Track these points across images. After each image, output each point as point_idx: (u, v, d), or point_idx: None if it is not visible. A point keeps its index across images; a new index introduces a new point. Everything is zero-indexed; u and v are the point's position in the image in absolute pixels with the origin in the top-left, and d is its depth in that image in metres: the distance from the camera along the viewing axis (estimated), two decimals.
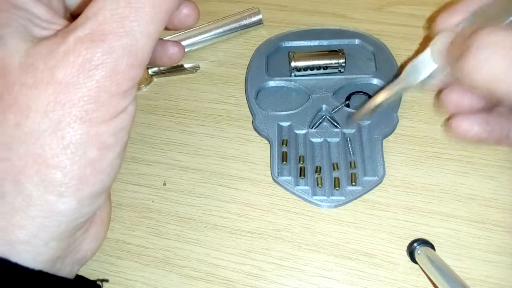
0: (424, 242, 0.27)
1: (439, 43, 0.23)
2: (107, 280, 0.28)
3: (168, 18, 0.20)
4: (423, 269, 0.26)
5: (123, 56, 0.18)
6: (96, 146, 0.18)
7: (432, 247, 0.27)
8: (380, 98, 0.26)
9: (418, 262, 0.27)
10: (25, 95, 0.18)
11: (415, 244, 0.27)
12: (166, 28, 0.25)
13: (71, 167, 0.18)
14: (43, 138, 0.18)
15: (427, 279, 0.27)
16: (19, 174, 0.18)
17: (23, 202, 0.18)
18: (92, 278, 0.27)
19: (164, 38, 0.26)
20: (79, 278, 0.24)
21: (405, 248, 0.28)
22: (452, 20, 0.24)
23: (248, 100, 0.35)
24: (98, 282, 0.26)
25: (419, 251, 0.27)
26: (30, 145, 0.18)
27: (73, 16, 0.23)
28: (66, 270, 0.22)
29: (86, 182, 0.19)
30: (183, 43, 0.39)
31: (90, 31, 0.18)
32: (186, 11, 0.23)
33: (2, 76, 0.18)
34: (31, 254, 0.19)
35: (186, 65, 0.39)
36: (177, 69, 0.39)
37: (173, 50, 0.26)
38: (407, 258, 0.28)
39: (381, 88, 0.30)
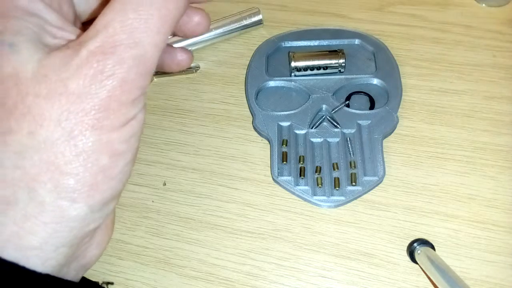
0: (424, 242, 0.27)
1: None
2: (112, 283, 0.28)
3: (174, 27, 0.20)
4: (423, 269, 0.26)
5: (133, 67, 0.19)
6: (108, 153, 0.19)
7: (432, 247, 0.27)
8: None
9: (418, 262, 0.27)
10: (38, 105, 0.18)
11: (415, 244, 0.27)
12: (176, 36, 0.25)
13: (83, 174, 0.19)
14: (56, 146, 0.18)
15: (427, 279, 0.27)
16: (32, 181, 0.18)
17: (35, 208, 0.19)
18: (92, 278, 0.27)
19: None
20: (83, 281, 0.24)
21: (405, 248, 0.28)
22: None
23: (248, 100, 0.35)
24: (103, 285, 0.26)
25: (419, 251, 0.27)
26: (44, 153, 0.18)
27: (84, 23, 0.24)
28: (71, 275, 0.22)
29: (97, 189, 0.19)
30: (184, 43, 0.39)
31: (101, 43, 0.19)
32: (197, 19, 0.24)
33: (14, 85, 0.19)
34: (40, 260, 0.19)
35: None
36: (171, 72, 0.38)
37: (181, 57, 0.26)
38: (407, 258, 0.28)
39: None
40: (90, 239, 0.23)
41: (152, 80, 0.38)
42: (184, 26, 0.24)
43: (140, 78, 0.19)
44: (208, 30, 0.24)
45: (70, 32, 0.21)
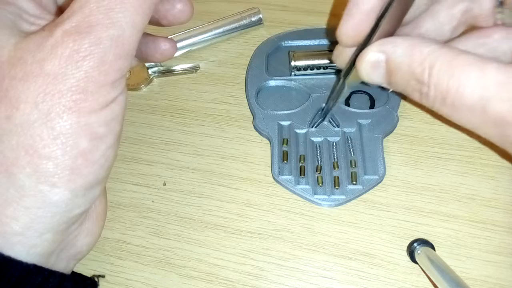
0: (424, 242, 0.27)
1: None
2: (103, 276, 0.28)
3: (154, 9, 0.20)
4: (423, 269, 0.26)
5: (110, 47, 0.18)
6: (87, 136, 0.19)
7: (432, 247, 0.27)
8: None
9: (418, 262, 0.27)
10: (15, 88, 0.18)
11: (415, 244, 0.27)
12: (161, 24, 0.25)
13: (62, 158, 0.18)
14: (33, 129, 0.18)
15: (427, 279, 0.27)
16: (11, 166, 0.18)
17: (16, 193, 0.18)
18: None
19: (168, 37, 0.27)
20: (74, 274, 0.24)
21: (405, 248, 0.28)
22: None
23: (248, 100, 0.35)
24: (95, 278, 0.26)
25: (419, 251, 0.27)
26: (21, 136, 0.18)
27: (62, 11, 0.24)
28: (61, 265, 0.22)
29: (78, 173, 0.19)
30: (184, 43, 0.39)
31: (77, 23, 0.18)
32: (179, 6, 0.23)
33: None
34: (25, 247, 0.19)
35: (186, 65, 0.39)
36: (171, 72, 0.39)
37: (165, 46, 0.26)
38: (407, 258, 0.28)
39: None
40: (78, 227, 0.22)
41: (152, 80, 0.38)
42: (167, 13, 0.24)
43: (118, 59, 0.19)
44: (191, 17, 0.24)
45: (47, 20, 0.21)
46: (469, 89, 0.19)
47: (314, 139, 0.33)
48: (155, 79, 0.38)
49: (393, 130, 0.33)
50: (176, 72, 0.39)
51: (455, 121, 0.21)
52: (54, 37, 0.18)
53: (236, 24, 0.40)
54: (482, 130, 0.20)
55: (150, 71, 0.38)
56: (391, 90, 0.24)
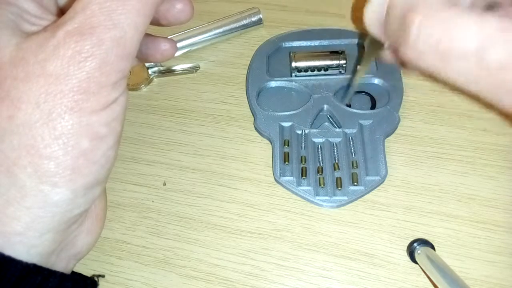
0: (424, 242, 0.27)
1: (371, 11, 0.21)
2: (103, 276, 0.28)
3: (155, 11, 0.20)
4: (423, 269, 0.26)
5: (112, 48, 0.18)
6: (88, 137, 0.19)
7: (432, 247, 0.27)
8: (357, 78, 0.29)
9: (418, 262, 0.27)
10: (16, 88, 0.18)
11: (415, 244, 0.27)
12: (161, 24, 0.25)
13: (63, 158, 0.18)
14: (35, 129, 0.18)
15: (427, 279, 0.27)
16: (12, 166, 0.18)
17: (17, 193, 0.18)
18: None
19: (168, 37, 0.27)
20: (74, 274, 0.24)
21: (405, 248, 0.28)
22: None
23: (249, 101, 0.35)
24: (95, 278, 0.26)
25: (419, 251, 0.27)
26: (23, 136, 0.18)
27: (63, 12, 0.24)
28: (61, 265, 0.22)
29: (79, 173, 0.19)
30: (184, 43, 0.39)
31: (79, 24, 0.18)
32: (179, 6, 0.23)
33: None
34: (25, 247, 0.19)
35: (186, 65, 0.39)
36: (171, 72, 0.39)
37: (165, 46, 0.26)
38: (407, 258, 0.28)
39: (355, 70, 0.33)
40: (78, 227, 0.22)
41: (152, 80, 0.38)
42: (167, 13, 0.24)
43: (120, 61, 0.19)
44: (191, 17, 0.24)
45: (49, 21, 0.21)
46: (467, 35, 0.17)
47: (315, 140, 0.33)
48: (155, 79, 0.38)
49: (394, 130, 0.33)
50: (176, 72, 0.39)
51: (443, 73, 0.18)
52: (56, 37, 0.18)
53: (236, 24, 0.40)
54: (474, 80, 0.18)
55: (150, 71, 0.38)
56: (386, 44, 0.22)
